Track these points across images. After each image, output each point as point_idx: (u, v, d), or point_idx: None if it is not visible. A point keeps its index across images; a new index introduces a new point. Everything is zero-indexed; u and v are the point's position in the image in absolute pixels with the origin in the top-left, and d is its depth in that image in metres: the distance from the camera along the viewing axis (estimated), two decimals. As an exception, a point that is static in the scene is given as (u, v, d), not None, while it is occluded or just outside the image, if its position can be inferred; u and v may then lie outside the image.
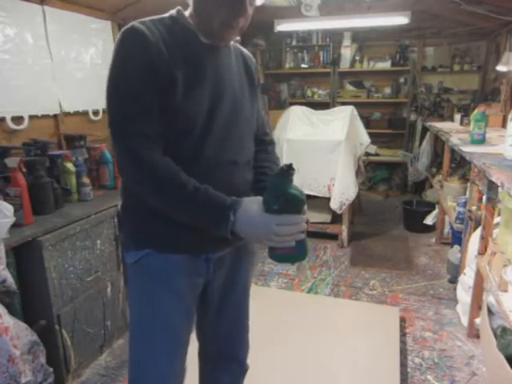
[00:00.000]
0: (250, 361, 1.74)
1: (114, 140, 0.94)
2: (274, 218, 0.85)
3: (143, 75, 0.90)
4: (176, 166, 0.90)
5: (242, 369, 1.38)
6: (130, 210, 1.04)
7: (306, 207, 0.92)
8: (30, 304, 1.68)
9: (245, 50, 1.18)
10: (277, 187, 0.86)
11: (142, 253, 1.01)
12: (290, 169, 0.86)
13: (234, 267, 1.15)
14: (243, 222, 0.86)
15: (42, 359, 1.61)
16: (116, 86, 0.95)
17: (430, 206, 3.72)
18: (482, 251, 2.01)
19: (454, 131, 3.19)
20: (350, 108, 3.37)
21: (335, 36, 4.88)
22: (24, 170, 1.78)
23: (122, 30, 0.92)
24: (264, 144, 1.22)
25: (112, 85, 0.96)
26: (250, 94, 1.11)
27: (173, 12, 1.02)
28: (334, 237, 3.43)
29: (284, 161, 3.25)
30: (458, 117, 3.82)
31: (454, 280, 2.65)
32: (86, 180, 2.06)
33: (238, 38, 1.11)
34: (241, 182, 1.06)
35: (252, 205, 0.88)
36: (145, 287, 1.04)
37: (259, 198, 0.90)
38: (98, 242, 1.92)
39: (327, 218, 3.45)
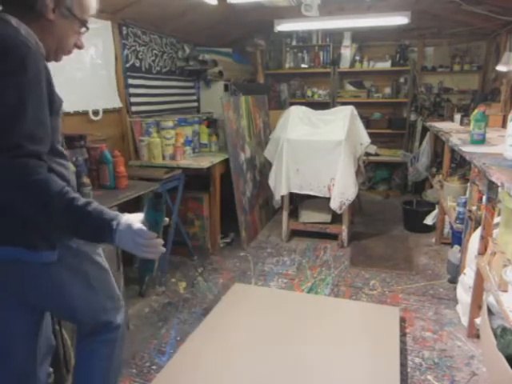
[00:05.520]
0: (250, 360, 1.74)
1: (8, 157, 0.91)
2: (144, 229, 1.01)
3: (44, 100, 0.98)
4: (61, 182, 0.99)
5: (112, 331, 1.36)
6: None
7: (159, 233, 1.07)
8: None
9: None
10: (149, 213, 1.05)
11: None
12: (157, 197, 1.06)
13: None
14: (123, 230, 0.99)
15: (42, 359, 1.60)
16: (23, 110, 0.94)
17: (430, 206, 3.72)
18: (482, 251, 2.01)
19: (454, 131, 3.19)
20: (350, 108, 3.37)
21: (335, 36, 4.88)
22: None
23: (21, 49, 0.92)
24: None
25: (21, 107, 0.93)
26: None
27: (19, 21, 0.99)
28: (334, 237, 3.43)
29: (284, 161, 3.25)
30: (458, 117, 3.82)
31: (453, 280, 2.65)
32: (85, 180, 2.06)
33: None
34: None
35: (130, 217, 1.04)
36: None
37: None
38: (98, 241, 1.91)
39: (327, 218, 3.45)
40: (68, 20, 1.08)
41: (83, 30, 1.14)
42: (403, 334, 2.17)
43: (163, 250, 1.05)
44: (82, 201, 0.98)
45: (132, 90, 3.22)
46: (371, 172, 5.10)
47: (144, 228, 1.01)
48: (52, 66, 1.06)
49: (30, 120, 0.93)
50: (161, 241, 1.04)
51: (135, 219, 1.02)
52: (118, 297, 1.36)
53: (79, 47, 1.17)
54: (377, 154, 4.82)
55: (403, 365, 1.92)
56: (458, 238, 2.71)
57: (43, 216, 0.98)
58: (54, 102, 1.03)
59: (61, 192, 0.95)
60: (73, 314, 1.25)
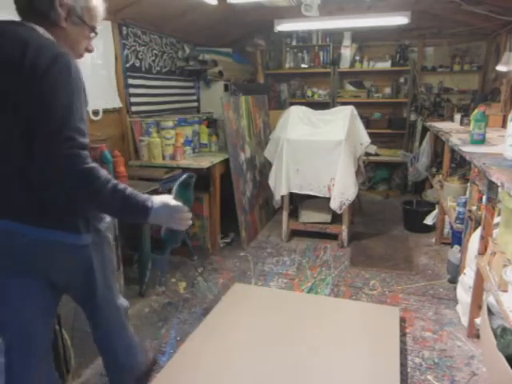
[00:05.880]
0: (250, 360, 1.74)
1: (65, 149, 1.04)
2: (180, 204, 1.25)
3: (83, 99, 1.12)
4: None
5: None
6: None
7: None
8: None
9: None
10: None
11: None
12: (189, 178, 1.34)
13: None
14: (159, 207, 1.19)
15: (42, 359, 1.61)
16: (74, 108, 1.08)
17: (430, 206, 3.72)
18: (482, 251, 2.01)
19: (454, 131, 3.19)
20: (350, 108, 3.37)
21: (335, 36, 4.88)
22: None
23: (64, 56, 1.07)
24: None
25: (72, 105, 1.07)
26: None
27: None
28: (334, 237, 3.43)
29: (284, 161, 3.25)
30: (457, 117, 3.82)
31: (453, 280, 2.65)
32: (86, 180, 2.06)
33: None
34: None
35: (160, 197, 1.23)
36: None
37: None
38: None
39: (327, 218, 3.45)
40: (79, 27, 1.20)
41: (92, 35, 1.26)
42: (403, 334, 2.17)
43: (191, 222, 1.27)
44: (121, 185, 1.12)
45: (132, 90, 3.22)
46: (371, 172, 5.10)
47: (181, 204, 1.22)
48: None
49: (77, 116, 1.07)
50: (191, 214, 1.26)
51: (168, 198, 1.22)
52: (116, 273, 1.54)
53: (90, 51, 1.29)
54: (377, 154, 4.82)
55: (403, 365, 1.92)
56: (458, 238, 2.71)
57: (95, 199, 1.11)
58: (86, 98, 1.17)
59: (107, 178, 1.10)
60: (90, 292, 1.34)
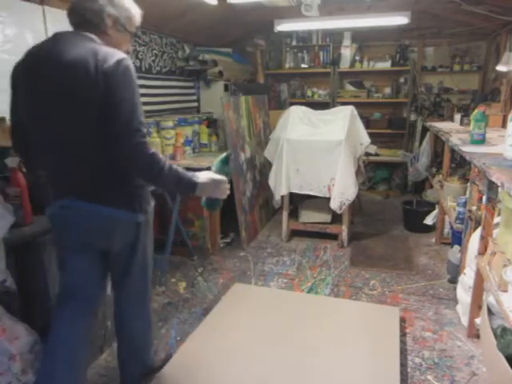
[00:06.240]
0: (250, 360, 1.73)
1: (138, 137, 1.26)
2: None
3: (138, 91, 1.32)
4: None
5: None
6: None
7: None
8: (30, 304, 1.68)
9: None
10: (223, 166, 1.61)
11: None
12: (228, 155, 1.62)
13: None
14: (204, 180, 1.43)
15: (42, 359, 1.61)
16: (137, 103, 1.29)
17: (430, 206, 3.72)
18: (482, 251, 2.01)
19: (454, 131, 3.19)
20: (350, 108, 3.37)
21: (335, 36, 4.88)
22: (24, 169, 1.78)
23: (125, 60, 1.27)
24: None
25: (135, 101, 1.29)
26: None
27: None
28: (334, 237, 3.43)
29: (284, 161, 3.26)
30: (457, 117, 3.82)
31: (454, 280, 2.65)
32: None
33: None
34: None
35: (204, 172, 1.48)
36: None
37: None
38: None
39: (327, 218, 3.45)
40: (121, 33, 1.41)
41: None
42: (403, 334, 2.17)
43: (229, 191, 1.55)
44: (174, 165, 1.35)
45: (132, 90, 3.22)
46: (371, 172, 5.10)
47: (223, 176, 1.49)
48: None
49: (139, 110, 1.28)
50: (229, 185, 1.54)
51: (211, 173, 1.48)
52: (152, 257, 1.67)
53: (128, 53, 1.48)
54: (377, 154, 4.82)
55: (403, 365, 1.92)
56: (458, 238, 2.71)
57: (157, 178, 1.33)
58: None
59: (164, 160, 1.32)
60: (130, 263, 1.52)
